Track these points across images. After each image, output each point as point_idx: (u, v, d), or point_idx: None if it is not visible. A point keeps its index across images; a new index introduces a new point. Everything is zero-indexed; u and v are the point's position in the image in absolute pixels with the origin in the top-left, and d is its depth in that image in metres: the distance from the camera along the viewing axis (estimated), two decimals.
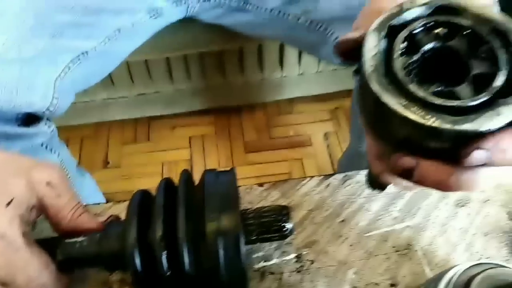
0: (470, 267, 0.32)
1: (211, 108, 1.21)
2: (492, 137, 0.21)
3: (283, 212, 0.32)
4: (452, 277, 0.31)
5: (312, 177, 0.43)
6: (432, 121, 0.20)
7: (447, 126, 0.20)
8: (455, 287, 0.30)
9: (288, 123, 1.27)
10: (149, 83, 1.10)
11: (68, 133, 1.24)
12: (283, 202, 0.41)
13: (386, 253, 0.38)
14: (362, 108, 0.24)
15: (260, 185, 0.42)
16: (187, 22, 0.75)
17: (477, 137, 0.21)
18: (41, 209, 0.31)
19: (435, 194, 0.41)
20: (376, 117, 0.23)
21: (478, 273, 0.30)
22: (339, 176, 0.43)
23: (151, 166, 1.17)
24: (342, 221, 0.40)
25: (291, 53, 1.10)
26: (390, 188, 0.41)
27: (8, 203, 0.29)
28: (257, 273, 0.37)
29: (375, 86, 0.21)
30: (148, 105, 1.17)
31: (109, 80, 1.06)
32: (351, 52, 0.25)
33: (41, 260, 0.30)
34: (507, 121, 0.21)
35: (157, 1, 0.65)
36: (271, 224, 0.32)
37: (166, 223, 0.29)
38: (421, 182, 0.23)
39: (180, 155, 1.19)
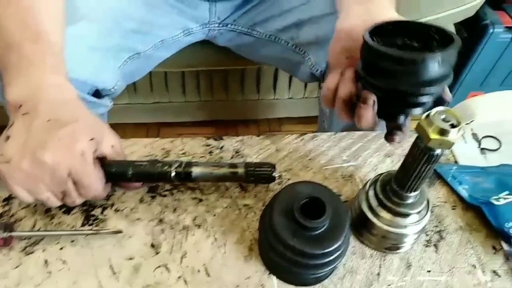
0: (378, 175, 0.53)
1: (213, 119, 1.43)
2: None
3: (272, 166, 0.52)
4: (367, 182, 0.52)
5: (292, 134, 0.65)
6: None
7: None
8: (369, 184, 0.51)
9: None
10: (165, 93, 1.31)
11: None
12: (273, 147, 0.62)
13: (336, 178, 0.59)
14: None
15: (258, 136, 0.64)
16: (203, 44, 0.96)
17: None
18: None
19: (372, 147, 0.63)
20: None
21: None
22: (310, 134, 0.65)
23: None
24: (309, 159, 0.61)
25: (283, 80, 1.32)
26: (341, 143, 0.63)
27: (91, 139, 0.47)
28: None
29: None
30: (161, 113, 1.38)
31: (133, 87, 1.28)
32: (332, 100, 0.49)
33: (100, 174, 0.49)
34: None
35: (189, 24, 0.88)
36: (264, 173, 0.52)
37: None
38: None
39: None
